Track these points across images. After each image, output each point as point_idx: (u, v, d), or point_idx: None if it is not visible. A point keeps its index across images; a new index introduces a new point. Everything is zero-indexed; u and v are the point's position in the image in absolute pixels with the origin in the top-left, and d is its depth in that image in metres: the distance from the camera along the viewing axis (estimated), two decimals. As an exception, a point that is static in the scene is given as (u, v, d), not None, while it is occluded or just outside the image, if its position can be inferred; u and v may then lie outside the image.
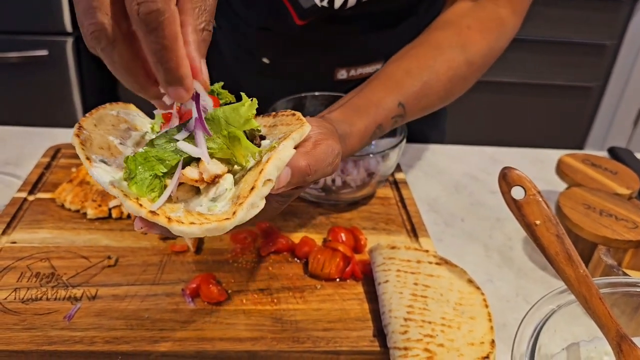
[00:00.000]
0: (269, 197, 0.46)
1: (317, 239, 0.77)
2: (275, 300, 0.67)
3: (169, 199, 0.47)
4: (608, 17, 2.24)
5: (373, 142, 0.86)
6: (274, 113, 0.56)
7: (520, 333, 0.50)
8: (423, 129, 1.07)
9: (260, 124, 0.55)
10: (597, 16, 2.22)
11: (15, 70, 1.90)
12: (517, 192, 0.54)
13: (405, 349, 0.58)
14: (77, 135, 0.50)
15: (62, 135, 1.01)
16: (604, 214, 0.77)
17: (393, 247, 0.72)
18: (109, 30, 0.43)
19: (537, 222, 0.53)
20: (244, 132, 0.48)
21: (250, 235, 0.76)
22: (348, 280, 0.71)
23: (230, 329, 0.63)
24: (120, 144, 0.53)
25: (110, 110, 0.56)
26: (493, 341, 0.60)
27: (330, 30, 0.92)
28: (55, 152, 0.92)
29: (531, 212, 0.53)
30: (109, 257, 0.71)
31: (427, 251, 0.72)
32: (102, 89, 2.17)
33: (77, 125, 0.51)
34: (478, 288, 0.68)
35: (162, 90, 0.47)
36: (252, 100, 0.49)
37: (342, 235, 0.76)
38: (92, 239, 0.75)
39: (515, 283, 0.76)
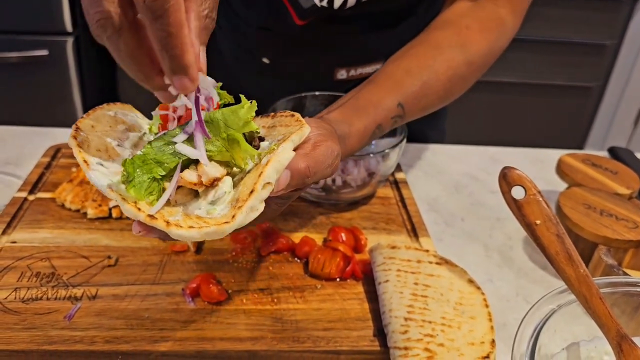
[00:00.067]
0: (268, 200, 0.46)
1: (318, 238, 0.77)
2: (275, 300, 0.67)
3: (168, 202, 0.46)
4: (608, 17, 2.24)
5: (373, 142, 0.86)
6: (272, 114, 0.56)
7: (521, 333, 0.50)
8: (423, 129, 1.07)
9: (259, 124, 0.54)
10: (597, 16, 2.22)
11: (15, 70, 1.90)
12: (518, 192, 0.54)
13: (406, 348, 0.58)
14: (75, 137, 0.49)
15: (62, 135, 1.01)
16: (605, 213, 0.77)
17: (393, 247, 0.72)
18: (115, 18, 0.43)
19: (538, 221, 0.53)
20: (243, 134, 0.48)
21: (250, 235, 0.76)
22: (348, 280, 0.71)
23: (231, 329, 0.63)
24: (118, 145, 0.52)
25: (107, 111, 0.56)
26: (493, 341, 0.60)
27: (330, 30, 0.92)
28: (56, 152, 0.92)
29: (531, 212, 0.53)
30: (109, 257, 0.71)
31: (427, 251, 0.72)
32: (102, 88, 2.17)
33: (74, 126, 0.51)
34: (478, 288, 0.68)
35: (166, 81, 0.47)
36: (251, 102, 0.48)
37: (343, 235, 0.76)
38: (92, 238, 0.75)
39: (516, 283, 0.76)
